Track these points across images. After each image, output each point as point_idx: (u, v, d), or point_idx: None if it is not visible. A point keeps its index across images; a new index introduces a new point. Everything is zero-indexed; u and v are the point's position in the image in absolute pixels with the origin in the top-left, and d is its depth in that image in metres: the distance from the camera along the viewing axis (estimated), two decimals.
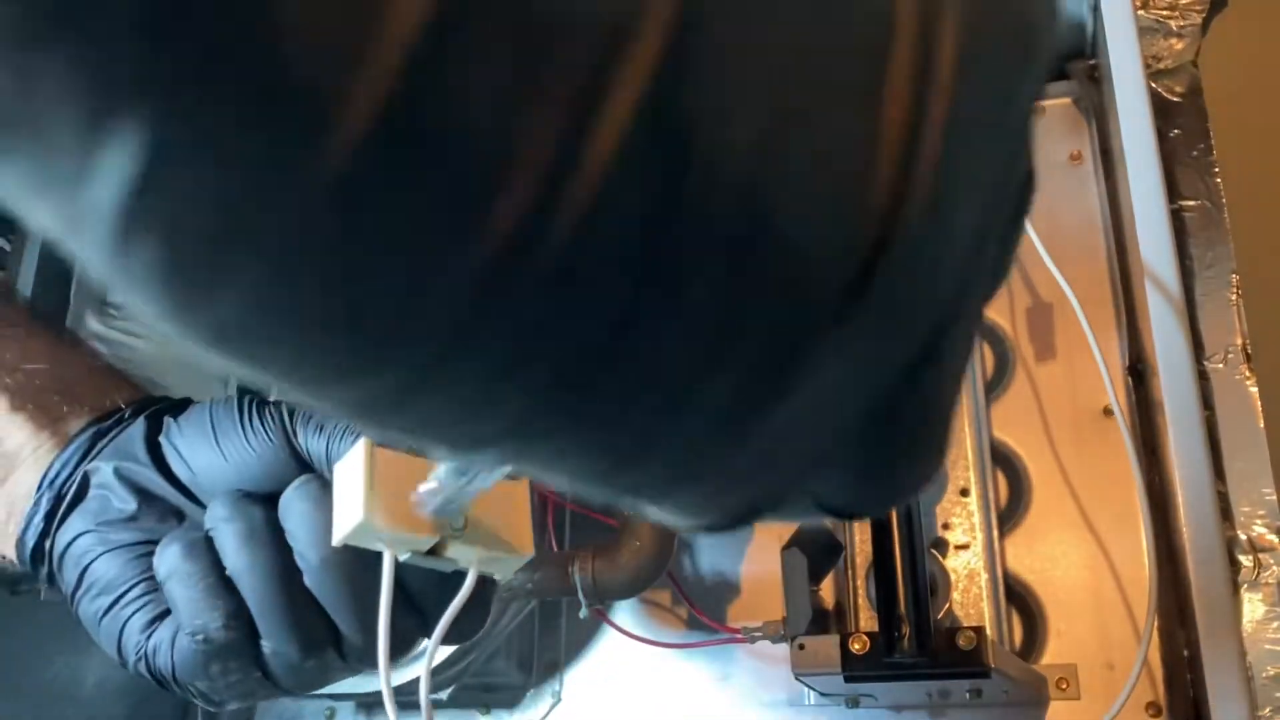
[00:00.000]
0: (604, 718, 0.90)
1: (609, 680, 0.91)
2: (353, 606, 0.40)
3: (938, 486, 0.79)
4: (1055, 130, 0.93)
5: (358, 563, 0.39)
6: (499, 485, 0.38)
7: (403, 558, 0.38)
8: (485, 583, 0.40)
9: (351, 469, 0.37)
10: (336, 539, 0.37)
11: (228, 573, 0.40)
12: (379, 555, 0.38)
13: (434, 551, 0.38)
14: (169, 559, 0.40)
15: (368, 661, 0.41)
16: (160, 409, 0.45)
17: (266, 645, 0.40)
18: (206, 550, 0.40)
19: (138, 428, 0.43)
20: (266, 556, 0.39)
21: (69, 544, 0.42)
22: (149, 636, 0.41)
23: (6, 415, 0.43)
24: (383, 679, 0.40)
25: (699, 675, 0.88)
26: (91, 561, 0.41)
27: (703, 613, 0.87)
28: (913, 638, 0.66)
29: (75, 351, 0.48)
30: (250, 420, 0.42)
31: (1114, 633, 0.79)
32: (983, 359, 0.87)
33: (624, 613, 0.90)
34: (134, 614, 0.41)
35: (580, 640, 0.92)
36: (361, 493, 0.36)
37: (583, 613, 0.77)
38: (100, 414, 0.44)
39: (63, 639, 0.92)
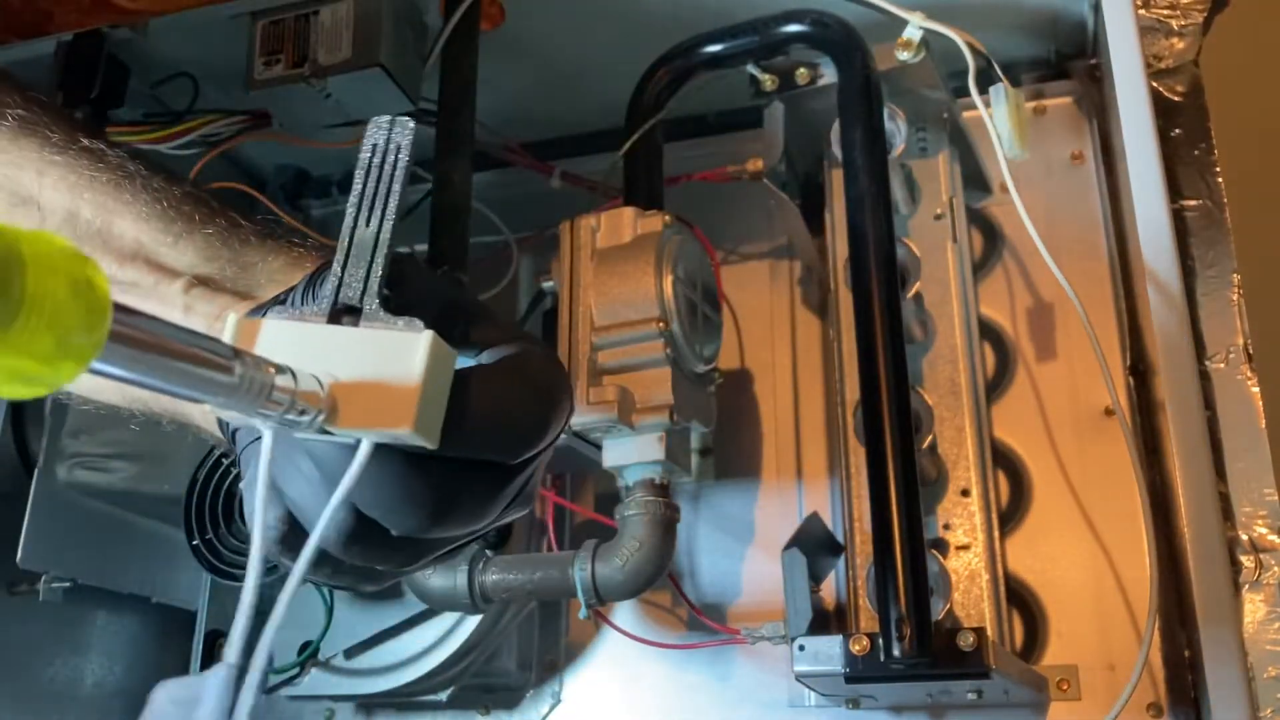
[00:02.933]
0: (604, 718, 0.90)
1: (609, 680, 0.90)
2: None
3: (940, 486, 0.79)
4: (1056, 130, 0.93)
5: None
6: (388, 349, 0.36)
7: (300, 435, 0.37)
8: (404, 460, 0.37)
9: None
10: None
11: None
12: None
13: (322, 431, 0.36)
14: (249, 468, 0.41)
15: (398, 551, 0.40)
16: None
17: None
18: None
19: None
20: (297, 466, 0.39)
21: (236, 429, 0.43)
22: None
23: (183, 316, 0.44)
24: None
25: (699, 675, 0.88)
26: (244, 448, 0.42)
27: (703, 613, 0.87)
28: (913, 638, 0.66)
29: (256, 247, 0.48)
30: None
31: (1115, 633, 0.79)
32: (984, 359, 0.87)
33: (624, 613, 0.90)
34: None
35: (580, 641, 0.92)
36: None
37: (583, 613, 0.76)
38: (269, 299, 0.44)
39: (63, 639, 0.92)
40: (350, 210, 0.38)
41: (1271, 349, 0.81)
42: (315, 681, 0.89)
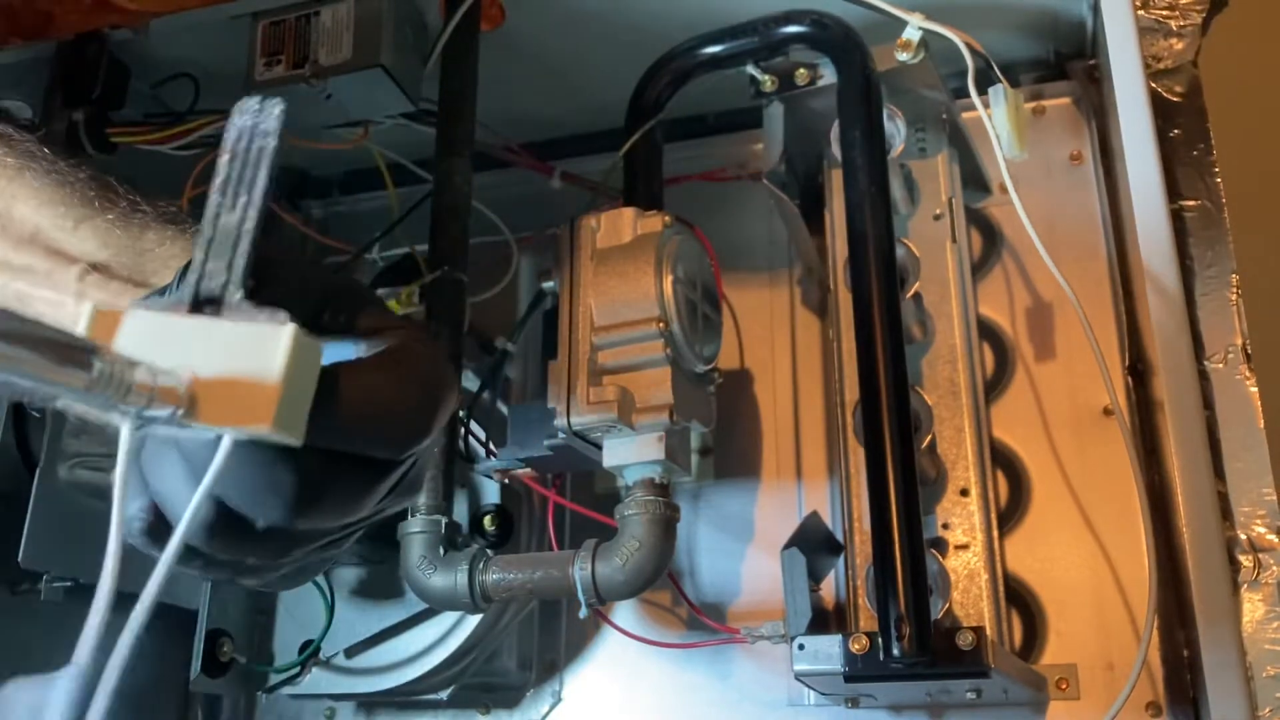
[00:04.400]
0: (604, 718, 0.90)
1: (609, 680, 0.91)
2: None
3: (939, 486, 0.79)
4: (1055, 130, 0.94)
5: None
6: (251, 342, 0.35)
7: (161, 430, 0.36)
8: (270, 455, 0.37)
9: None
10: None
11: None
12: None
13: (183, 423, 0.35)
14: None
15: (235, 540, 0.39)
16: None
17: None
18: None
19: None
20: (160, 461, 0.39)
21: None
22: None
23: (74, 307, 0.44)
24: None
25: (699, 674, 0.88)
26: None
27: (703, 613, 0.87)
28: (913, 638, 0.66)
29: (155, 232, 0.47)
30: None
31: (1114, 632, 0.79)
32: (983, 359, 0.87)
33: (624, 613, 0.90)
34: None
35: (580, 640, 0.92)
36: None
37: (583, 613, 0.77)
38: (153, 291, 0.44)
39: (64, 638, 0.92)
40: (214, 197, 0.37)
41: (1270, 349, 0.81)
42: (316, 680, 0.89)
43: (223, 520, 0.38)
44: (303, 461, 0.37)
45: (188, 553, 0.39)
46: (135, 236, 0.46)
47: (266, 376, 0.34)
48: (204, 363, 0.35)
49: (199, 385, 0.34)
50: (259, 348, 0.35)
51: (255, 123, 0.37)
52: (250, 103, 0.37)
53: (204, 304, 0.36)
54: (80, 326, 0.35)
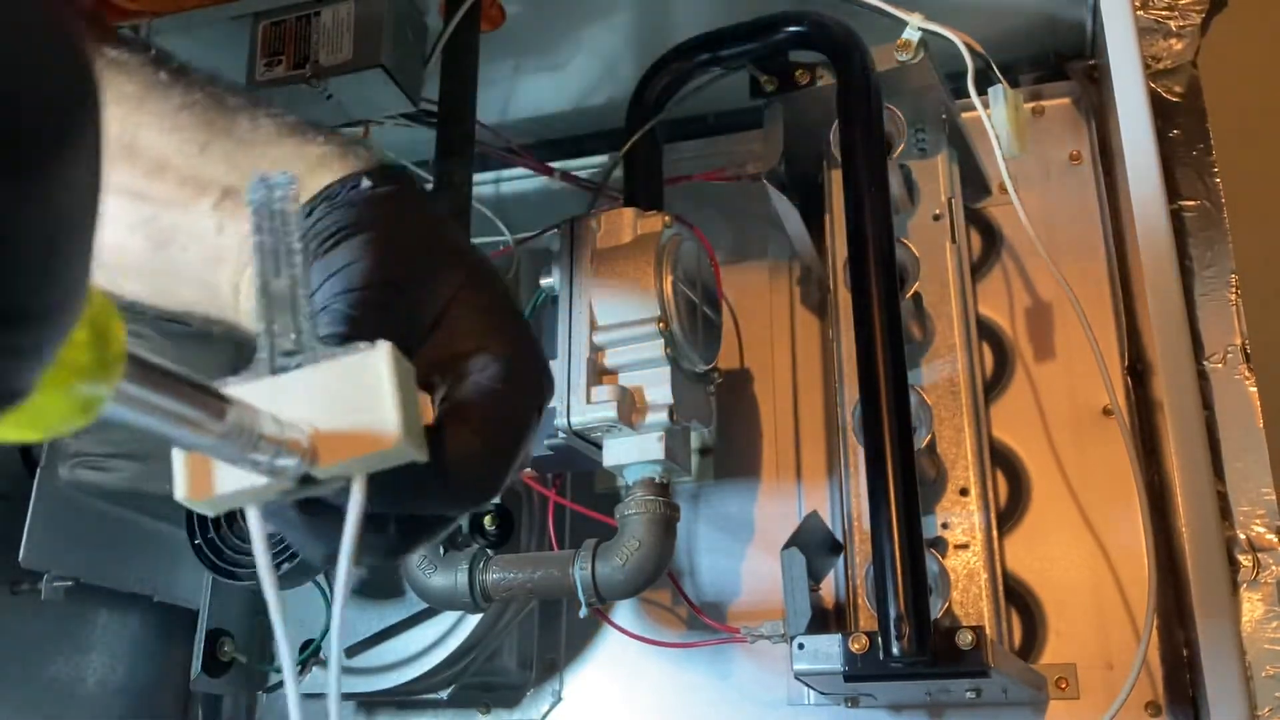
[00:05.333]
0: (604, 717, 0.90)
1: (609, 680, 0.91)
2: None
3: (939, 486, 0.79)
4: (1055, 130, 0.94)
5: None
6: (341, 374, 0.35)
7: (281, 501, 0.36)
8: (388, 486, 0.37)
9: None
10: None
11: None
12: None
13: (310, 481, 0.35)
14: None
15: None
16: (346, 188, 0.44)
17: None
18: None
19: None
20: None
21: None
22: None
23: (215, 234, 0.44)
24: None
25: (699, 674, 0.88)
26: None
27: (703, 613, 0.87)
28: (912, 637, 0.66)
29: (284, 144, 0.47)
30: None
31: (1113, 632, 0.79)
32: (983, 359, 0.87)
33: (624, 613, 0.90)
34: None
35: (580, 640, 0.92)
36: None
37: (583, 613, 0.77)
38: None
39: (65, 638, 0.92)
40: (258, 278, 0.37)
41: (1269, 349, 0.81)
42: (316, 680, 0.89)
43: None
44: (387, 527, 0.38)
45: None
46: (259, 155, 0.45)
47: (377, 399, 0.35)
48: (311, 411, 0.35)
49: (316, 433, 0.34)
50: (360, 377, 0.35)
51: (270, 194, 0.37)
52: (256, 182, 0.37)
53: (284, 363, 0.36)
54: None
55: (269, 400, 0.35)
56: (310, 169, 0.44)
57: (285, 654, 0.36)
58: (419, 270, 0.42)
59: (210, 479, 0.34)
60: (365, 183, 0.44)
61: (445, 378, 0.40)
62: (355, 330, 0.39)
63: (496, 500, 0.86)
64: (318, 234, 0.42)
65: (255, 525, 0.35)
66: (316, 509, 0.37)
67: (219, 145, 0.46)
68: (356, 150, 0.46)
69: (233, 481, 0.34)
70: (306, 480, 0.35)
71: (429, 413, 0.39)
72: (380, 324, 0.39)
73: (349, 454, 0.34)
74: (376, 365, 0.35)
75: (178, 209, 0.45)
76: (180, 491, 0.35)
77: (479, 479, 0.39)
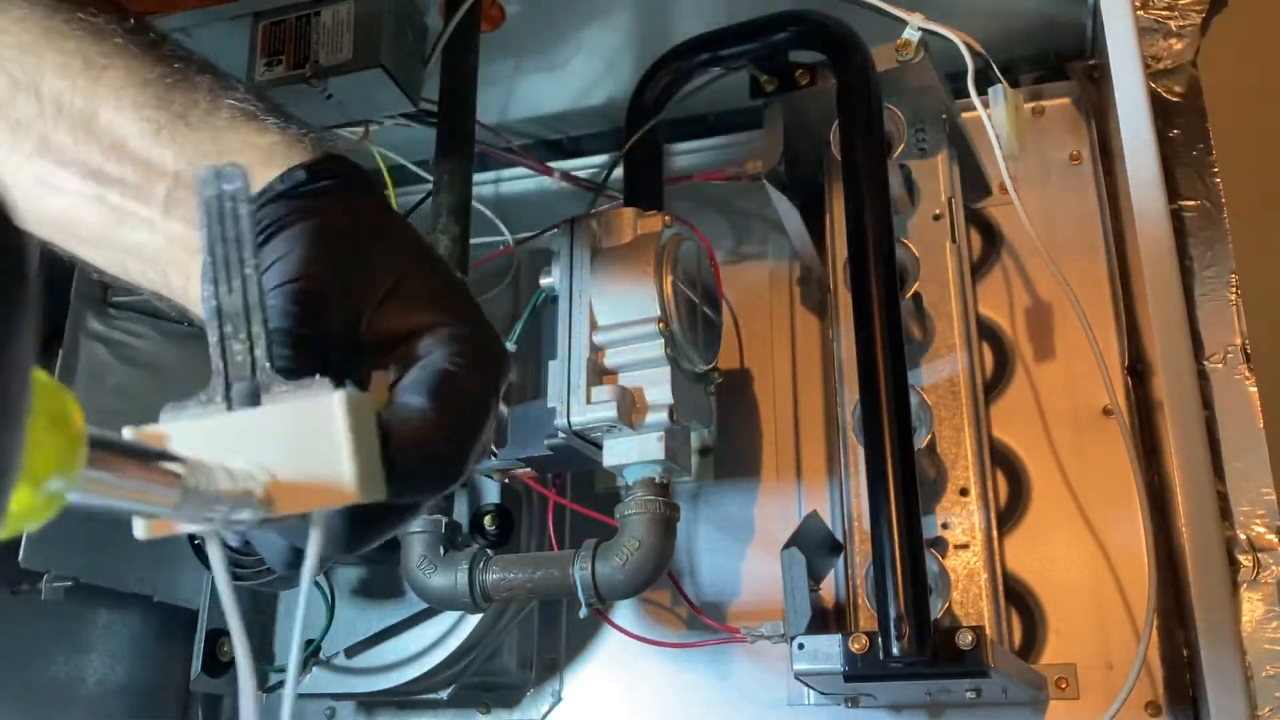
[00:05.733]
0: (604, 717, 0.90)
1: (609, 679, 0.91)
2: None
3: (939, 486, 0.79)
4: (1055, 130, 0.94)
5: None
6: (301, 421, 0.34)
7: (234, 533, 0.35)
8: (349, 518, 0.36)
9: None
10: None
11: None
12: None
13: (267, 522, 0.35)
14: None
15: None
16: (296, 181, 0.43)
17: None
18: None
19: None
20: None
21: None
22: None
23: (162, 219, 0.44)
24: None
25: (699, 674, 0.88)
26: None
27: (703, 613, 0.87)
28: (912, 637, 0.66)
29: (237, 131, 0.46)
30: None
31: (1113, 632, 0.79)
32: (983, 359, 0.87)
33: (624, 613, 0.90)
34: None
35: (580, 640, 0.92)
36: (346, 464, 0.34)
37: (583, 613, 0.77)
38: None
39: (65, 638, 0.92)
40: (207, 285, 0.35)
41: (1269, 349, 0.81)
42: (316, 680, 0.89)
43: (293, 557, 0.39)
44: (354, 515, 0.37)
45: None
46: (209, 142, 0.44)
47: (333, 447, 0.34)
48: (266, 453, 0.34)
49: (273, 482, 0.34)
50: (315, 423, 0.34)
51: (221, 191, 0.35)
52: (205, 173, 0.36)
53: (238, 394, 0.35)
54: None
55: (222, 441, 0.34)
56: (261, 160, 0.43)
57: (246, 678, 0.35)
58: (360, 254, 0.41)
59: (170, 522, 0.34)
60: (300, 175, 0.43)
61: (397, 358, 0.39)
62: (296, 324, 0.38)
63: (496, 500, 0.86)
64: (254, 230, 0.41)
65: (216, 556, 0.35)
66: (276, 524, 0.36)
67: (175, 129, 0.44)
68: (305, 141, 0.45)
69: (193, 524, 0.34)
70: (266, 522, 0.34)
71: (382, 394, 0.38)
72: (319, 314, 0.38)
73: (304, 505, 0.34)
74: (332, 413, 0.34)
75: (131, 192, 0.44)
76: (140, 531, 0.34)
77: (438, 466, 0.38)
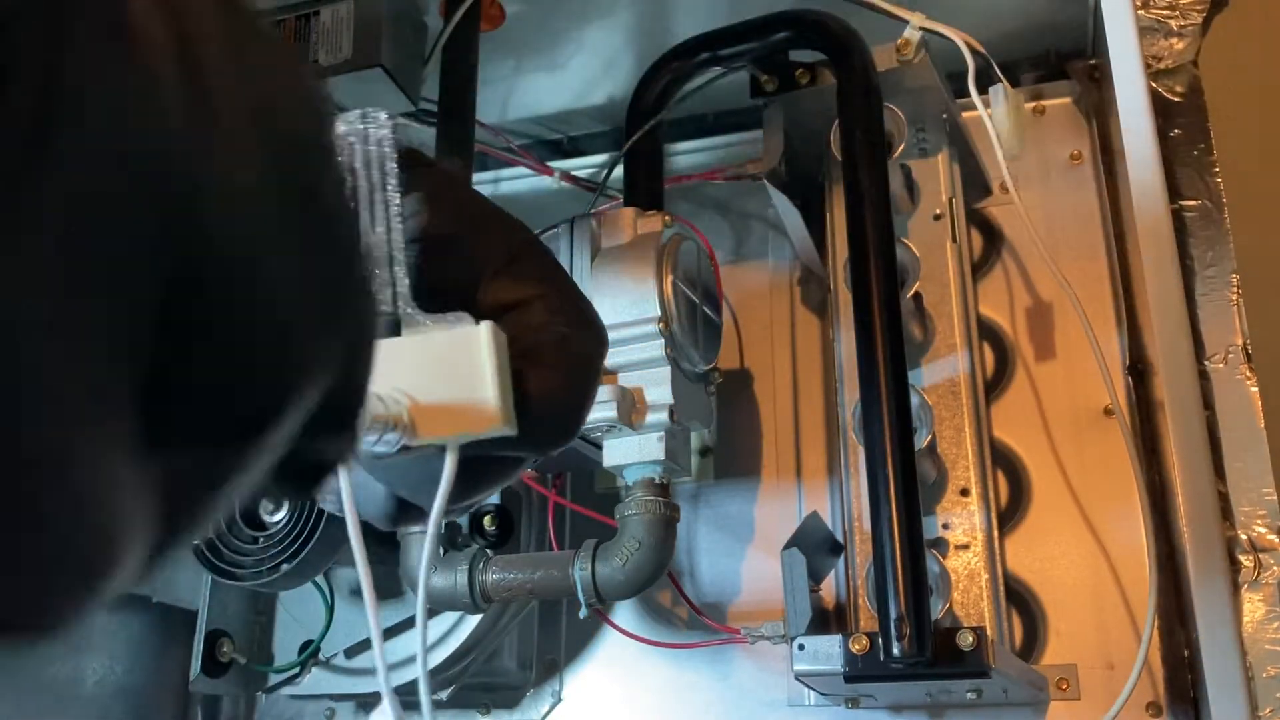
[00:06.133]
0: (604, 718, 0.90)
1: (609, 679, 0.91)
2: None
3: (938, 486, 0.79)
4: (1055, 130, 0.94)
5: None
6: (445, 349, 0.35)
7: (370, 460, 0.36)
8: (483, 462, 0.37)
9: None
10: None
11: None
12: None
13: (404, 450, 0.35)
14: None
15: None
16: None
17: None
18: None
19: None
20: None
21: None
22: None
23: None
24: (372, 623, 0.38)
25: (699, 674, 0.88)
26: None
27: (703, 613, 0.87)
28: (913, 638, 0.66)
29: None
30: None
31: (1114, 632, 0.79)
32: (983, 359, 0.87)
33: (624, 613, 0.90)
34: None
35: (580, 641, 0.92)
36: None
37: (583, 613, 0.77)
38: None
39: (64, 639, 0.92)
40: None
41: (1270, 349, 0.81)
42: (316, 680, 0.89)
43: (399, 510, 0.39)
44: (470, 464, 0.38)
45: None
46: None
47: (479, 377, 0.35)
48: (408, 380, 0.35)
49: (415, 406, 0.35)
50: (460, 353, 0.35)
51: (367, 133, 0.37)
52: (351, 115, 0.37)
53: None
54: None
55: None
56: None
57: (377, 643, 0.37)
58: (480, 226, 0.43)
59: None
60: (415, 153, 0.44)
61: (509, 323, 0.41)
62: (420, 278, 0.39)
63: (496, 500, 0.86)
64: (398, 175, 0.43)
65: (345, 485, 0.36)
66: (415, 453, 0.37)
67: None
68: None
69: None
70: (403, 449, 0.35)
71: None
72: (443, 272, 0.40)
73: (447, 430, 0.35)
74: (479, 340, 0.35)
75: None
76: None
77: (562, 418, 0.39)
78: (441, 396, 0.35)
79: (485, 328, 0.36)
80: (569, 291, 0.42)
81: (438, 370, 0.35)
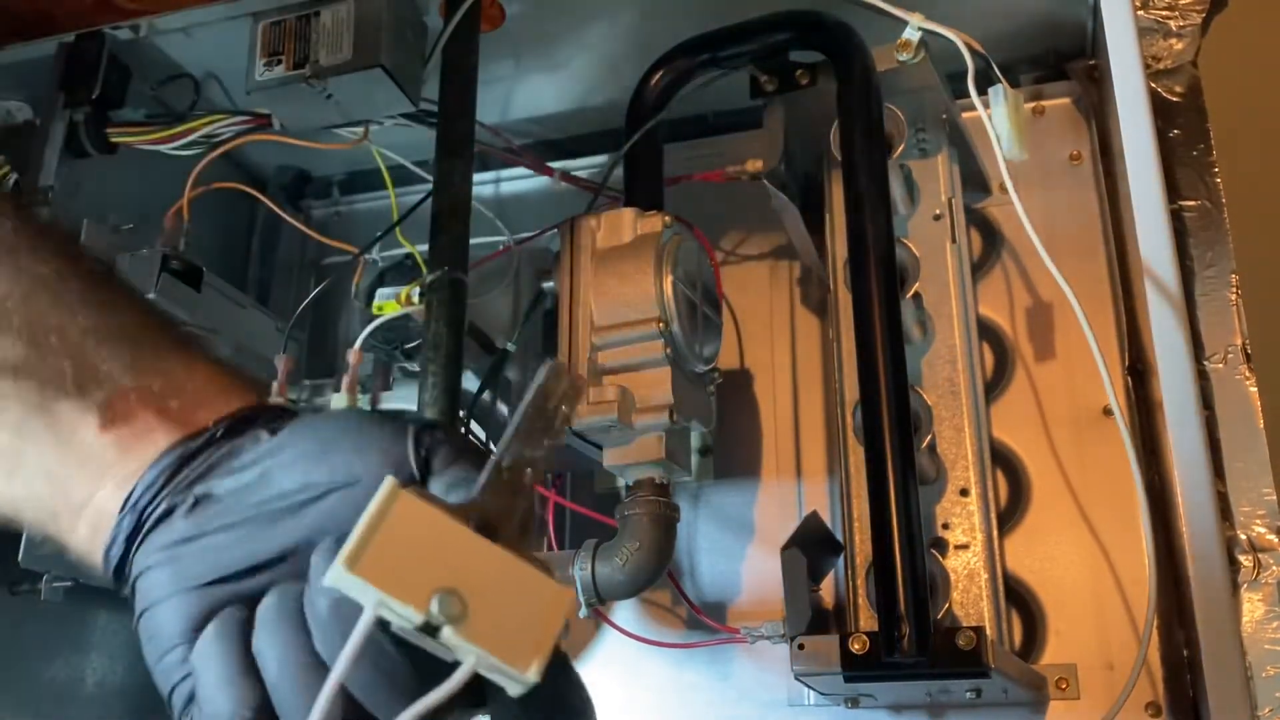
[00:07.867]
0: (604, 718, 0.90)
1: (609, 679, 0.91)
2: (376, 688, 0.36)
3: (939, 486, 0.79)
4: (1055, 130, 0.94)
5: (379, 643, 0.35)
6: (527, 584, 0.35)
7: (395, 627, 0.35)
8: (481, 685, 0.36)
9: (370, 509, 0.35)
10: (328, 578, 0.34)
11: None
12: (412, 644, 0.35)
13: (430, 631, 0.34)
14: (203, 638, 0.38)
15: None
16: (249, 423, 0.42)
17: None
18: (242, 630, 0.37)
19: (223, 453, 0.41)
20: (288, 638, 0.36)
21: (139, 574, 0.40)
22: (187, 712, 0.39)
23: (97, 433, 0.41)
24: None
25: (699, 674, 0.88)
26: (153, 605, 0.39)
27: (703, 613, 0.87)
28: (912, 638, 0.66)
29: (180, 355, 0.45)
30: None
31: (1113, 633, 0.79)
32: (983, 359, 0.87)
33: (624, 612, 0.90)
34: (181, 680, 0.39)
35: (580, 639, 0.92)
36: (356, 536, 0.34)
37: (583, 613, 0.77)
38: (189, 432, 0.41)
39: (63, 639, 0.92)
40: (509, 439, 0.38)
41: (1270, 349, 0.81)
42: None
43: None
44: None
45: None
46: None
47: (542, 631, 0.35)
48: (476, 582, 0.35)
49: (475, 599, 0.34)
50: (540, 599, 0.35)
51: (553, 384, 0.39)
52: (552, 363, 0.40)
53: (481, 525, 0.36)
54: (375, 501, 0.35)
55: (445, 542, 0.35)
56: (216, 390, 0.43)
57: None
58: None
59: None
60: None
61: None
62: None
63: None
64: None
65: (366, 622, 0.34)
66: (413, 653, 0.36)
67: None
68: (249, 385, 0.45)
69: (373, 573, 0.34)
70: (428, 629, 0.34)
71: None
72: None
73: (485, 645, 0.34)
74: (559, 603, 0.35)
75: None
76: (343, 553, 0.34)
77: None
78: (500, 618, 0.35)
79: (572, 593, 0.38)
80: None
81: (512, 596, 0.35)
